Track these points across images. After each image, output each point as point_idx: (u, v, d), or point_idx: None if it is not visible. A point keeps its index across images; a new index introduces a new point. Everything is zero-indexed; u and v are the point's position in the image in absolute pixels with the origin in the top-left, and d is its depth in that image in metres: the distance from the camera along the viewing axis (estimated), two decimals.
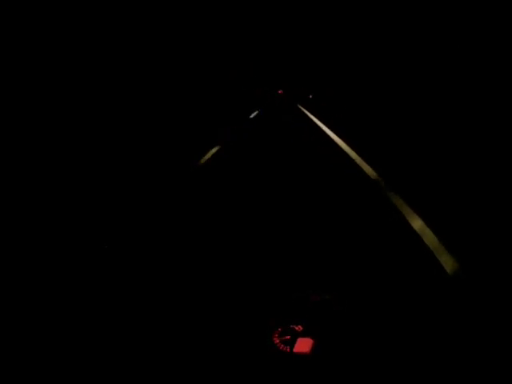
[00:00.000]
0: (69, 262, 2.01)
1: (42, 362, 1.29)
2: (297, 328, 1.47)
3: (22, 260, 2.06)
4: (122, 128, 7.61)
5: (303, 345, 1.38)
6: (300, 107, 21.13)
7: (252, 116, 14.23)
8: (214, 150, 6.08)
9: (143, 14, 12.22)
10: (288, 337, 1.43)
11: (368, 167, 4.67)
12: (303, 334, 1.43)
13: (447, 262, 2.07)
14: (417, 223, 2.69)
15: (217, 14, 21.55)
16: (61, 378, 1.22)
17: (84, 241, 2.27)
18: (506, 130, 5.41)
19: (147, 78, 12.12)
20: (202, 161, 5.16)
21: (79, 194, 3.25)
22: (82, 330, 1.45)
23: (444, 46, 8.47)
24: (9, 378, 1.21)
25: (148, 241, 2.32)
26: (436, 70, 8.87)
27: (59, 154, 5.00)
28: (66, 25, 8.54)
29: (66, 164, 4.49)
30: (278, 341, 1.42)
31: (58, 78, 7.97)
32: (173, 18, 14.82)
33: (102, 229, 2.47)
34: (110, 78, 9.98)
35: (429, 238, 2.43)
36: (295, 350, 1.37)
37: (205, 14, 19.10)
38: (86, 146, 5.51)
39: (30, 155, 4.76)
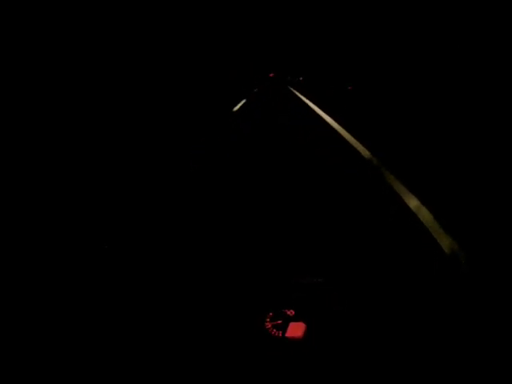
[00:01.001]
0: (69, 261, 1.96)
1: (42, 362, 1.24)
2: (289, 312, 1.39)
3: (21, 260, 2.00)
4: (118, 127, 7.43)
5: (295, 329, 1.30)
6: (292, 89, 20.82)
7: (243, 100, 13.96)
8: (207, 138, 5.94)
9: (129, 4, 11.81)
10: (280, 321, 1.35)
11: (362, 147, 4.58)
12: (295, 319, 1.35)
13: (444, 241, 2.01)
14: (413, 202, 2.62)
15: None
16: (61, 378, 1.18)
17: (84, 241, 2.22)
18: (503, 109, 5.35)
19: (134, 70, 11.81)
20: (198, 151, 5.03)
21: (79, 193, 3.18)
22: (82, 330, 1.39)
23: (442, 28, 8.31)
24: (9, 378, 1.18)
25: (148, 240, 2.26)
26: (431, 50, 8.73)
27: (59, 153, 4.87)
28: (64, 23, 8.29)
29: (65, 164, 4.36)
30: (269, 325, 1.34)
31: (55, 76, 7.77)
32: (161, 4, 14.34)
33: (102, 229, 2.41)
34: (101, 69, 9.72)
35: (425, 216, 2.37)
36: (287, 334, 1.29)
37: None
38: (86, 145, 5.37)
39: (29, 155, 4.64)
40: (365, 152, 4.33)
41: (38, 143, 5.35)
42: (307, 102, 12.03)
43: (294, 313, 1.39)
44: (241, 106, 11.04)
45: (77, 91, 8.47)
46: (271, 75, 43.13)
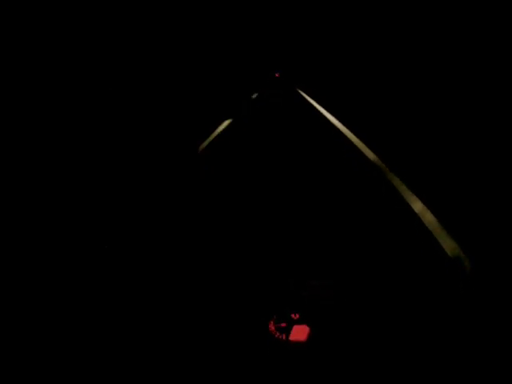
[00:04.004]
0: (69, 261, 1.98)
1: (42, 362, 1.26)
2: (293, 315, 1.43)
3: (22, 260, 2.03)
4: (120, 126, 7.48)
5: (299, 332, 1.34)
6: (299, 91, 20.78)
7: (248, 101, 13.98)
8: (210, 138, 5.97)
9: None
10: (284, 324, 1.39)
11: (369, 151, 4.58)
12: (299, 322, 1.39)
13: (447, 244, 2.02)
14: (417, 205, 2.63)
15: None
16: (61, 378, 1.20)
17: (84, 241, 2.24)
18: (506, 112, 5.29)
19: (134, 65, 11.87)
20: (199, 150, 5.06)
21: (79, 193, 3.19)
22: (82, 330, 1.42)
23: (443, 23, 8.21)
24: (9, 378, 1.20)
25: (148, 239, 2.27)
26: (436, 51, 8.64)
27: (59, 153, 4.92)
28: (64, 23, 8.37)
29: (65, 163, 4.41)
30: (273, 328, 1.38)
31: (55, 76, 7.84)
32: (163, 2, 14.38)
33: (102, 229, 2.43)
34: (102, 69, 9.79)
35: (429, 220, 2.38)
36: (291, 337, 1.33)
37: None
38: (87, 145, 5.42)
39: (29, 155, 4.69)
40: (370, 155, 4.33)
41: (38, 143, 5.37)
42: (315, 104, 12.00)
43: (298, 316, 1.42)
44: (244, 107, 11.05)
45: (78, 91, 8.50)
46: (277, 75, 42.74)
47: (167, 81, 13.86)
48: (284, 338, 1.33)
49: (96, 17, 9.77)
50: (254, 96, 15.50)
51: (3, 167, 4.05)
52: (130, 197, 3.11)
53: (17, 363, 1.26)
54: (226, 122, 8.02)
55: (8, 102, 6.40)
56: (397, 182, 3.21)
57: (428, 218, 2.40)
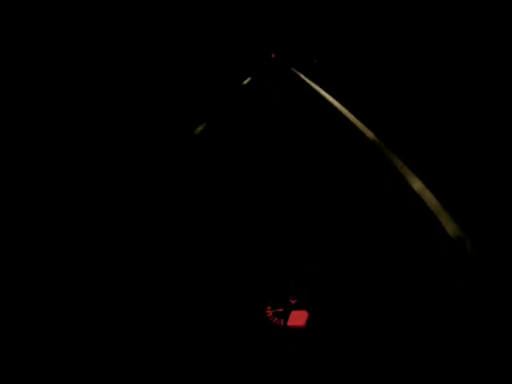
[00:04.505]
0: (69, 261, 1.95)
1: (42, 362, 1.24)
2: (290, 300, 1.39)
3: (22, 260, 2.00)
4: (118, 126, 7.36)
5: (298, 318, 1.30)
6: (295, 71, 20.37)
7: (244, 83, 13.70)
8: (203, 126, 5.85)
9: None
10: (281, 309, 1.35)
11: (367, 129, 4.48)
12: (297, 307, 1.35)
13: (448, 224, 1.98)
14: (417, 185, 2.57)
15: None
16: (61, 378, 1.18)
17: (84, 241, 2.20)
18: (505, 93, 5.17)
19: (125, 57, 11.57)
20: (194, 141, 4.96)
21: (79, 194, 3.15)
22: (82, 330, 1.39)
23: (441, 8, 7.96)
24: (9, 378, 1.18)
25: (148, 239, 2.23)
26: (435, 30, 8.40)
27: (58, 153, 4.84)
28: (64, 23, 8.16)
29: (65, 163, 4.34)
30: (270, 314, 1.34)
31: (55, 76, 7.69)
32: None
33: (102, 229, 2.39)
34: (98, 66, 9.56)
35: (428, 198, 2.32)
36: (289, 323, 1.29)
37: None
38: (87, 145, 5.33)
39: (29, 155, 4.62)
40: (369, 133, 4.24)
41: (38, 143, 5.32)
42: (312, 84, 11.77)
43: (295, 301, 1.38)
44: (236, 91, 10.82)
45: (77, 91, 8.38)
46: (273, 56, 41.76)
47: (161, 71, 13.55)
48: (282, 323, 1.30)
49: (88, 14, 9.49)
50: (248, 80, 15.18)
51: (3, 167, 4.00)
52: (129, 197, 3.06)
53: (17, 363, 1.24)
54: (219, 106, 7.87)
55: (8, 102, 6.31)
56: (396, 161, 3.15)
57: (428, 197, 2.35)
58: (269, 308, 1.36)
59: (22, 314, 1.51)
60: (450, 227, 1.94)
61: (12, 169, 3.91)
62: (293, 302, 1.38)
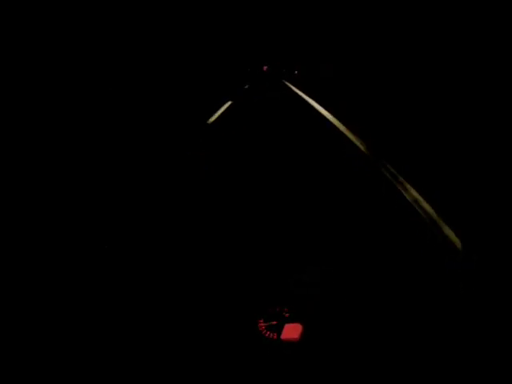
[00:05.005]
0: (69, 261, 1.92)
1: (42, 362, 1.21)
2: (284, 313, 1.31)
3: (22, 260, 1.97)
4: (118, 126, 7.31)
5: (291, 331, 1.23)
6: (287, 83, 20.64)
7: (235, 95, 13.78)
8: (198, 137, 5.82)
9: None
10: (274, 322, 1.27)
11: (359, 140, 4.49)
12: (290, 320, 1.27)
13: (442, 232, 1.94)
14: (411, 194, 2.54)
15: None
16: (61, 378, 1.15)
17: (84, 241, 2.18)
18: (503, 100, 5.29)
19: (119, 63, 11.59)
20: (191, 149, 4.92)
21: (79, 193, 3.10)
22: (82, 330, 1.35)
23: (442, 25, 8.19)
24: (9, 378, 1.16)
25: (147, 239, 2.19)
26: (430, 44, 8.62)
27: (58, 153, 4.77)
28: (64, 23, 8.16)
29: (65, 163, 4.28)
30: (263, 327, 1.26)
31: (55, 76, 7.64)
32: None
33: (102, 229, 2.35)
34: (97, 67, 9.53)
35: (423, 208, 2.29)
36: (283, 336, 1.21)
37: None
38: (87, 145, 5.27)
39: (29, 155, 4.55)
40: (361, 145, 4.25)
41: (37, 143, 5.27)
42: (304, 96, 11.90)
43: (289, 313, 1.31)
44: (229, 106, 10.87)
45: (77, 91, 8.35)
46: (265, 68, 42.33)
47: (158, 77, 13.58)
48: (275, 337, 1.22)
49: (87, 15, 9.52)
50: (240, 91, 15.29)
51: (3, 167, 3.93)
52: (129, 196, 3.02)
53: (17, 363, 1.21)
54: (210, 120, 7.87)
55: (8, 102, 6.25)
56: (389, 171, 3.13)
57: (423, 206, 2.32)
58: (261, 321, 1.28)
59: (21, 313, 1.49)
60: (446, 236, 1.91)
61: (12, 169, 3.86)
62: (286, 314, 1.30)
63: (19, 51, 6.96)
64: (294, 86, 17.58)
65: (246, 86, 15.22)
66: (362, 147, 4.15)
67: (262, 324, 1.27)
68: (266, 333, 1.23)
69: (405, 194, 2.57)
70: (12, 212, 2.72)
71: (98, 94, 9.07)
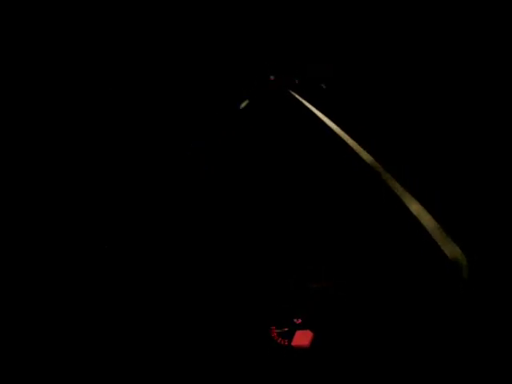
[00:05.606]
0: (69, 261, 1.95)
1: (42, 362, 1.24)
2: (295, 320, 1.40)
3: (22, 260, 1.99)
4: (118, 126, 7.43)
5: (302, 338, 1.31)
6: (293, 94, 20.83)
7: (242, 105, 13.96)
8: (203, 144, 5.94)
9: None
10: (286, 329, 1.36)
11: (365, 152, 4.58)
12: (302, 327, 1.36)
13: (446, 246, 2.02)
14: (415, 206, 2.62)
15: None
16: (61, 378, 1.17)
17: (84, 241, 2.21)
18: (505, 110, 5.34)
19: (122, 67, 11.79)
20: (193, 157, 5.03)
21: (79, 193, 3.16)
22: (82, 331, 1.38)
23: (443, 27, 8.29)
24: (9, 378, 1.17)
25: (147, 239, 2.25)
26: (433, 51, 8.71)
27: (58, 153, 4.87)
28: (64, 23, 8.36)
29: (65, 163, 4.36)
30: (275, 333, 1.35)
31: (55, 76, 7.80)
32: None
33: (102, 229, 2.40)
34: (101, 69, 9.74)
35: (427, 221, 2.37)
36: (294, 343, 1.30)
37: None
38: (87, 145, 5.37)
39: (29, 155, 4.63)
40: (366, 156, 4.33)
41: (37, 143, 5.31)
42: (311, 107, 12.03)
43: (300, 320, 1.39)
44: (237, 112, 11.01)
45: (77, 91, 8.44)
46: (272, 78, 42.47)
47: (160, 82, 13.78)
48: (286, 343, 1.30)
49: (89, 15, 9.70)
50: (246, 101, 15.46)
51: (3, 167, 4.01)
52: (130, 196, 3.06)
53: (17, 363, 1.23)
54: (219, 125, 7.98)
55: (8, 102, 6.32)
56: (393, 183, 3.21)
57: (426, 219, 2.40)
58: (273, 328, 1.37)
59: (21, 313, 1.51)
60: (449, 249, 1.98)
61: (12, 169, 3.93)
62: (297, 321, 1.39)
63: (19, 51, 7.04)
64: (301, 97, 17.72)
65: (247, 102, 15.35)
66: (366, 158, 4.24)
67: (275, 330, 1.36)
68: (278, 339, 1.32)
69: (408, 206, 2.65)
70: (12, 212, 2.74)
71: (98, 94, 9.17)
